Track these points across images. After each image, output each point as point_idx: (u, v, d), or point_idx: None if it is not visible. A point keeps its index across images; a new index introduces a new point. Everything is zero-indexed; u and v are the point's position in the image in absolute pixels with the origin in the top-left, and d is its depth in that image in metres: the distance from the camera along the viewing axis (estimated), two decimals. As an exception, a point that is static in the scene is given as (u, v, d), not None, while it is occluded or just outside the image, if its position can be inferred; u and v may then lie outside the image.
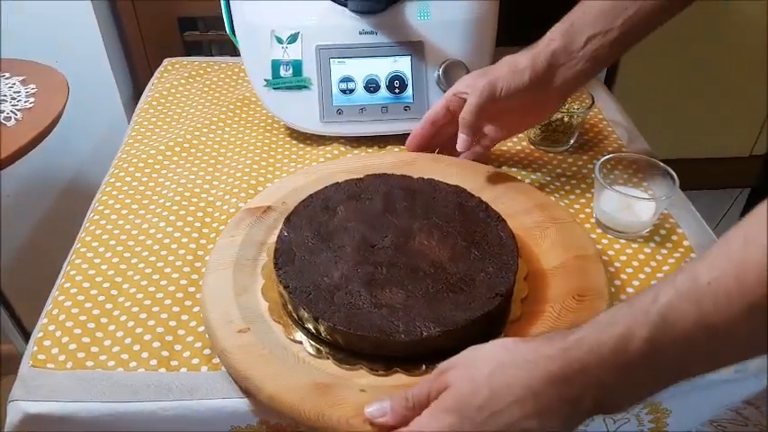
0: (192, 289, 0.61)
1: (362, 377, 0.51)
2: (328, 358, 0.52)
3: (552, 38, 0.64)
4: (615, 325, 0.39)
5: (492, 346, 0.44)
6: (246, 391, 0.51)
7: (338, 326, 0.51)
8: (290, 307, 0.55)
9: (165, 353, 0.55)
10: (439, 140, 0.73)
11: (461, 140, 0.67)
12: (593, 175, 0.67)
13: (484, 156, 0.74)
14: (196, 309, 0.59)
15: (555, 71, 0.63)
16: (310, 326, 0.54)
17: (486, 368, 0.42)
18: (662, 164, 0.66)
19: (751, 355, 0.39)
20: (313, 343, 0.54)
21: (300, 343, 0.54)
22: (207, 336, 0.55)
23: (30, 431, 0.52)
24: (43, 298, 0.61)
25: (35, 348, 0.55)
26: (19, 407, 0.51)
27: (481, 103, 0.65)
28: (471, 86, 0.66)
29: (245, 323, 0.54)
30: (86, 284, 0.61)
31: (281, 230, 0.60)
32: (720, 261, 0.36)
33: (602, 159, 0.67)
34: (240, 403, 0.52)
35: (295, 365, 0.52)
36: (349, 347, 0.52)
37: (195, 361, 0.54)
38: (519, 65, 0.64)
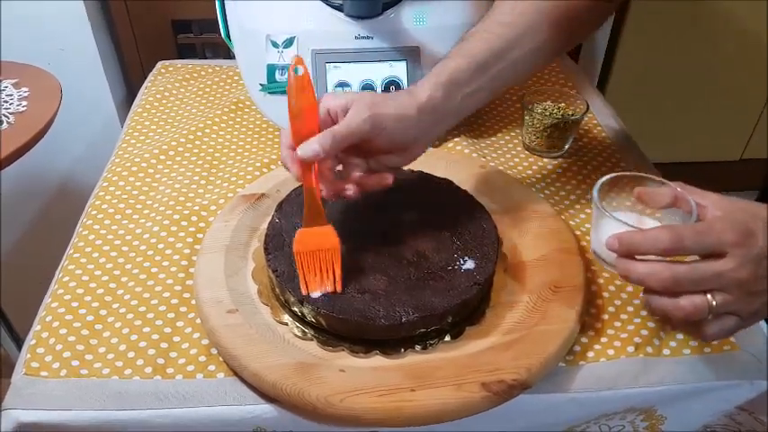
0: (186, 294, 0.60)
1: (343, 358, 0.53)
2: (312, 340, 0.54)
3: (433, 94, 0.55)
4: None
5: None
6: (232, 370, 0.53)
7: (322, 309, 0.53)
8: (277, 290, 0.57)
9: (160, 360, 0.54)
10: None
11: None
12: (587, 196, 0.59)
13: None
14: (191, 315, 0.58)
15: (437, 123, 0.56)
16: (296, 309, 0.56)
17: None
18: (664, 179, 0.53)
19: None
20: (299, 325, 0.56)
21: (286, 325, 0.56)
22: (198, 319, 0.57)
23: (24, 440, 0.51)
24: (35, 303, 0.61)
25: (28, 356, 0.54)
26: (12, 415, 0.51)
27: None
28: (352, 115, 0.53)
29: (235, 304, 0.56)
30: (80, 291, 0.60)
31: (272, 217, 0.62)
32: None
33: (602, 181, 0.53)
34: (236, 411, 0.52)
35: (280, 346, 0.53)
36: (332, 330, 0.54)
37: (191, 368, 0.54)
38: (407, 110, 0.53)
